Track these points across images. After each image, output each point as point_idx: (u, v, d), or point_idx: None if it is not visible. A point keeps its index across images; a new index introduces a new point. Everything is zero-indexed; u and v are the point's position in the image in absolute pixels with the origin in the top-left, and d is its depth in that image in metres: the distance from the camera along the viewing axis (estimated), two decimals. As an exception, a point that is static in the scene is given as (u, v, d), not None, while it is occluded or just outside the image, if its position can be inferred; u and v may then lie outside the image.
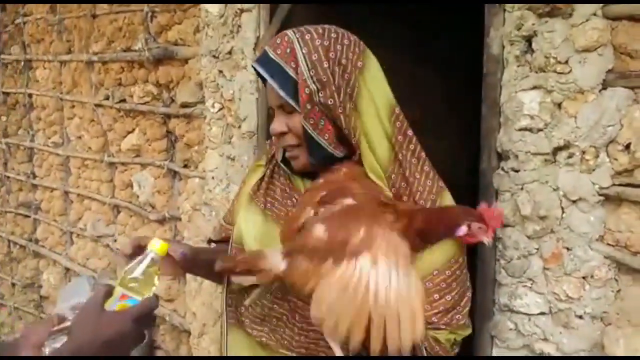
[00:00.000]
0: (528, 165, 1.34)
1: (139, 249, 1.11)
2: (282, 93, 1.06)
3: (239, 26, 2.08)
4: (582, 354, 1.32)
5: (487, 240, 1.02)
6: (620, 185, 1.26)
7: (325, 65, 1.04)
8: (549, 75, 1.29)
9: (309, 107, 1.05)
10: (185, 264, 1.21)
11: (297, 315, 1.10)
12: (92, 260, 3.43)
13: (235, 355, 1.21)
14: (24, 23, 3.71)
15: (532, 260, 1.36)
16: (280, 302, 1.12)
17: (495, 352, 1.45)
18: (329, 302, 0.91)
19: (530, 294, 1.37)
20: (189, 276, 2.39)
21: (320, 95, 1.04)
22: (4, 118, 4.05)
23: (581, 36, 1.25)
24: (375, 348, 0.87)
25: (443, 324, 1.05)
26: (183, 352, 2.75)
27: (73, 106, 3.42)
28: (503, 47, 1.38)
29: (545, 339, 1.35)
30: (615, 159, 1.25)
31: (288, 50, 1.05)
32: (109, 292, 0.98)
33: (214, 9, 2.16)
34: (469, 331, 1.12)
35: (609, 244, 1.28)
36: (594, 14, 1.24)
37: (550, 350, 1.35)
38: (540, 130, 1.32)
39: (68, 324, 0.97)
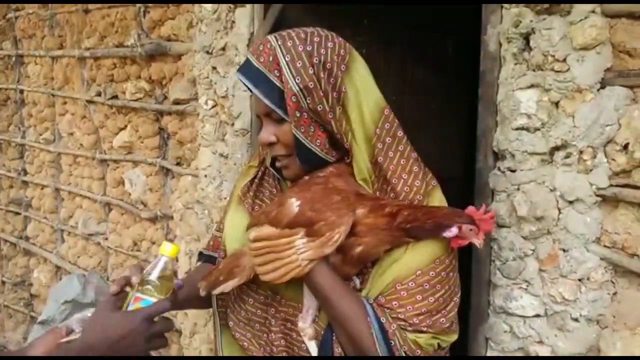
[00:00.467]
0: (525, 165, 1.32)
1: (126, 286, 1.04)
2: (267, 102, 1.03)
3: (233, 22, 2.06)
4: (577, 357, 1.30)
5: (478, 242, 1.01)
6: (617, 186, 1.24)
7: (311, 72, 1.01)
8: (547, 73, 1.27)
9: (298, 115, 1.03)
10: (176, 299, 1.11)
11: (279, 319, 1.10)
12: (83, 259, 3.41)
13: (230, 355, 1.20)
14: (16, 18, 3.67)
15: (528, 262, 1.34)
16: (263, 307, 1.12)
17: (490, 355, 1.43)
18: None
19: (525, 296, 1.35)
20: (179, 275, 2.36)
21: (308, 102, 1.02)
22: (-5, 114, 4.02)
23: (579, 34, 1.23)
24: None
25: (425, 326, 1.03)
26: (174, 351, 2.73)
27: (65, 102, 3.39)
28: (500, 44, 1.36)
29: (541, 342, 1.33)
30: (613, 159, 1.24)
31: (271, 59, 1.02)
32: (122, 297, 0.99)
33: (207, 4, 2.14)
34: (454, 337, 1.09)
35: (605, 246, 1.26)
36: (593, 12, 1.22)
37: (545, 353, 1.33)
38: (537, 129, 1.30)
39: (76, 336, 0.99)
